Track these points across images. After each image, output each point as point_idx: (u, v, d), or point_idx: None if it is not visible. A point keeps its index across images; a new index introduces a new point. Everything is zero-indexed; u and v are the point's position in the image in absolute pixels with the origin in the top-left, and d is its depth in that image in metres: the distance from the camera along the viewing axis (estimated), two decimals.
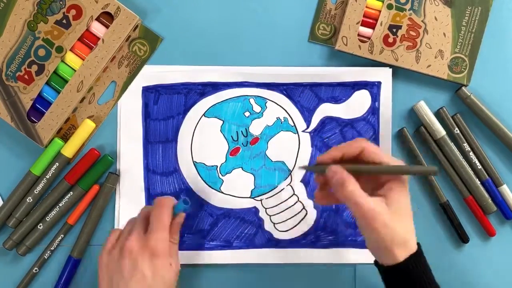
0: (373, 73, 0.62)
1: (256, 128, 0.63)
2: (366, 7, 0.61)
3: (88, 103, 0.62)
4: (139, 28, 0.62)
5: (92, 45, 0.60)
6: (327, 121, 0.63)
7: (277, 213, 0.63)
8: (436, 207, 0.63)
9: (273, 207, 0.63)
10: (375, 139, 0.62)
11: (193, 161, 0.62)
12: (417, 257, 0.50)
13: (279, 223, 0.63)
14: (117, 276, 0.52)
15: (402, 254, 0.49)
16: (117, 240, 0.54)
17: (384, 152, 0.53)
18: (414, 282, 0.49)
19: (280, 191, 0.63)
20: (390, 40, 0.61)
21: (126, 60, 0.62)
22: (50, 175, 0.61)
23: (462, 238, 0.62)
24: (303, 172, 0.63)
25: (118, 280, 0.51)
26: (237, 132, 0.62)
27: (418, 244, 0.51)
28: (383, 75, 0.62)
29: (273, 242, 0.63)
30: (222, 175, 0.62)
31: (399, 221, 0.49)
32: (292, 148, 0.63)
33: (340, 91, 0.62)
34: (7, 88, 0.60)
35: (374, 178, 0.52)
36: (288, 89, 0.62)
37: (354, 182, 0.50)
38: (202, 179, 0.62)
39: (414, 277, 0.49)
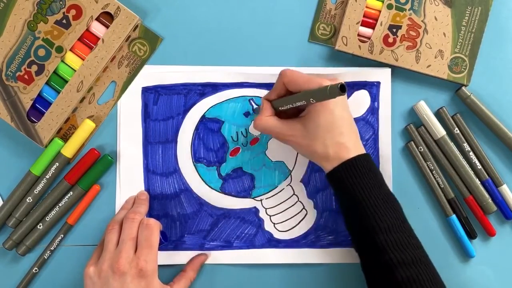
0: (372, 73, 0.62)
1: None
2: (366, 7, 0.61)
3: (88, 103, 0.62)
4: (139, 28, 0.62)
5: (92, 45, 0.60)
6: None
7: (277, 213, 0.63)
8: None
9: (273, 207, 0.63)
10: (375, 139, 0.62)
11: (193, 162, 0.62)
12: (344, 167, 0.54)
13: (279, 223, 0.63)
14: None
15: (327, 166, 0.55)
16: (102, 253, 0.55)
17: (304, 77, 0.55)
18: (342, 187, 0.55)
19: (280, 191, 0.63)
20: (390, 40, 0.61)
21: (126, 60, 0.62)
22: (50, 175, 0.61)
23: (470, 233, 0.62)
24: (303, 172, 0.63)
25: None
26: (237, 132, 0.62)
27: (366, 154, 0.55)
28: (382, 75, 0.62)
29: (273, 242, 0.63)
30: (222, 175, 0.63)
31: (314, 139, 0.55)
32: (292, 148, 0.63)
33: None
34: (7, 88, 0.60)
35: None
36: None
37: (267, 115, 0.57)
38: (202, 179, 0.62)
39: (344, 185, 0.54)
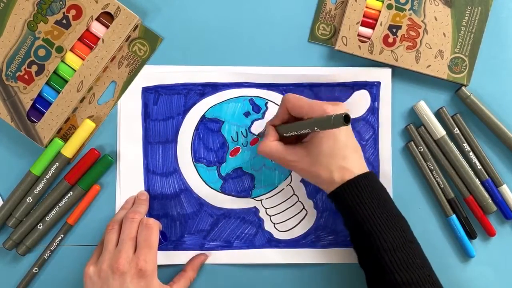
0: (373, 73, 0.62)
1: (256, 128, 0.63)
2: (366, 7, 0.61)
3: (88, 103, 0.62)
4: (139, 28, 0.62)
5: (92, 45, 0.60)
6: None
7: (277, 213, 0.63)
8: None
9: (273, 207, 0.63)
10: (375, 139, 0.62)
11: (193, 162, 0.62)
12: (345, 187, 0.54)
13: (279, 223, 0.63)
14: None
15: (328, 189, 0.56)
16: (102, 253, 0.55)
17: (307, 103, 0.55)
18: (345, 207, 0.55)
19: (280, 191, 0.63)
20: (390, 40, 0.61)
21: (126, 60, 0.62)
22: (50, 175, 0.61)
23: (470, 233, 0.62)
24: None
25: None
26: (237, 132, 0.63)
27: (368, 172, 0.55)
28: (383, 75, 0.62)
29: (273, 242, 0.63)
30: (222, 175, 0.63)
31: (318, 165, 0.55)
32: None
33: (340, 91, 0.62)
34: (7, 88, 0.60)
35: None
36: (288, 90, 0.62)
37: (271, 140, 0.57)
38: (202, 179, 0.62)
39: (346, 205, 0.54)
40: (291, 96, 0.56)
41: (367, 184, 0.54)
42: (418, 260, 0.53)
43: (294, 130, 0.55)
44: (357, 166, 0.55)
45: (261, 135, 0.62)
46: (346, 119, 0.47)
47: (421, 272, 0.52)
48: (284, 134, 0.57)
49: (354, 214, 0.54)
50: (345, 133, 0.55)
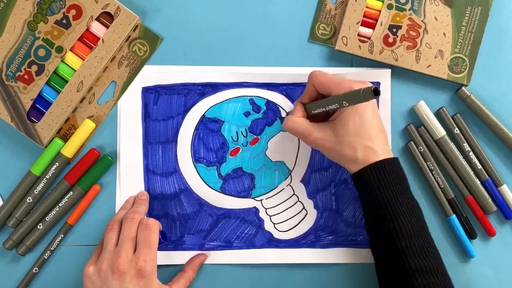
0: (372, 73, 0.62)
1: (256, 128, 0.63)
2: (366, 7, 0.61)
3: (88, 103, 0.62)
4: (139, 28, 0.62)
5: (92, 45, 0.60)
6: None
7: (277, 213, 0.63)
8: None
9: (273, 207, 0.63)
10: None
11: (193, 162, 0.62)
12: (371, 169, 0.54)
13: (279, 223, 0.63)
14: None
15: (353, 168, 0.55)
16: (102, 252, 0.55)
17: (335, 80, 0.55)
18: (368, 188, 0.55)
19: (280, 191, 0.63)
20: (390, 40, 0.61)
21: (126, 60, 0.62)
22: (50, 175, 0.61)
23: (470, 233, 0.62)
24: (303, 172, 0.63)
25: None
26: (237, 132, 0.62)
27: (394, 158, 0.55)
28: (383, 76, 0.62)
29: (273, 242, 0.63)
30: (222, 175, 0.63)
31: (343, 143, 0.55)
32: (292, 148, 0.63)
33: None
34: (7, 88, 0.60)
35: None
36: (288, 89, 0.62)
37: (298, 116, 0.57)
38: (202, 179, 0.62)
39: (369, 186, 0.54)
40: (318, 73, 0.56)
41: (392, 169, 0.54)
42: (433, 250, 0.54)
43: (322, 106, 0.55)
44: (381, 147, 0.55)
45: (289, 114, 0.62)
46: (375, 92, 0.47)
47: (434, 262, 0.53)
48: (312, 111, 0.57)
49: (377, 196, 0.54)
50: (372, 112, 0.55)
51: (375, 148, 0.54)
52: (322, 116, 0.58)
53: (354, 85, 0.54)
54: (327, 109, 0.54)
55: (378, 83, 0.62)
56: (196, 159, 0.62)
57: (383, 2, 0.61)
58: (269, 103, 0.63)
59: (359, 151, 0.54)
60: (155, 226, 0.56)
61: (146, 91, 0.62)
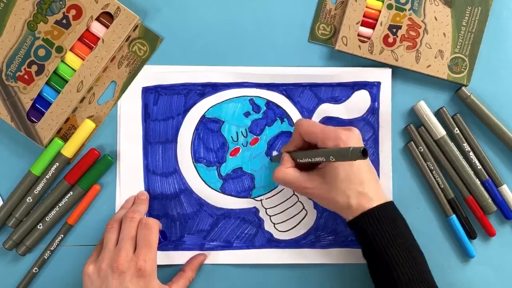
0: (373, 73, 0.62)
1: (256, 128, 0.63)
2: (366, 7, 0.61)
3: (88, 103, 0.62)
4: (139, 28, 0.62)
5: (92, 45, 0.60)
6: (326, 121, 0.62)
7: (277, 213, 0.63)
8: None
9: (273, 207, 0.63)
10: (375, 139, 0.62)
11: (193, 162, 0.62)
12: (365, 217, 0.54)
13: (279, 223, 0.63)
14: None
15: (348, 216, 0.55)
16: (102, 251, 0.55)
17: (320, 128, 0.55)
18: (364, 236, 0.54)
19: (280, 191, 0.63)
20: (390, 40, 0.61)
21: (126, 60, 0.62)
22: (50, 175, 0.61)
23: (470, 233, 0.62)
24: None
25: None
26: (237, 132, 0.63)
27: (388, 203, 0.55)
28: (383, 76, 0.62)
29: (273, 243, 0.63)
30: (222, 175, 0.63)
31: (335, 191, 0.55)
32: None
33: (340, 91, 0.63)
34: (7, 88, 0.60)
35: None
36: (288, 90, 0.63)
37: (287, 167, 0.56)
38: (202, 179, 0.62)
39: (365, 234, 0.54)
40: (303, 121, 0.57)
41: (386, 215, 0.54)
42: None
43: (309, 157, 0.54)
44: (374, 191, 0.55)
45: (274, 159, 0.62)
46: (364, 153, 0.47)
47: None
48: (299, 160, 0.56)
49: (373, 244, 0.54)
50: None
51: (368, 193, 0.54)
52: (310, 164, 0.57)
53: (341, 134, 0.54)
54: (313, 161, 0.54)
55: (379, 83, 0.62)
56: (196, 159, 0.62)
57: (383, 2, 0.61)
58: (269, 103, 0.63)
59: (352, 198, 0.54)
60: (155, 225, 0.56)
61: (146, 91, 0.62)
